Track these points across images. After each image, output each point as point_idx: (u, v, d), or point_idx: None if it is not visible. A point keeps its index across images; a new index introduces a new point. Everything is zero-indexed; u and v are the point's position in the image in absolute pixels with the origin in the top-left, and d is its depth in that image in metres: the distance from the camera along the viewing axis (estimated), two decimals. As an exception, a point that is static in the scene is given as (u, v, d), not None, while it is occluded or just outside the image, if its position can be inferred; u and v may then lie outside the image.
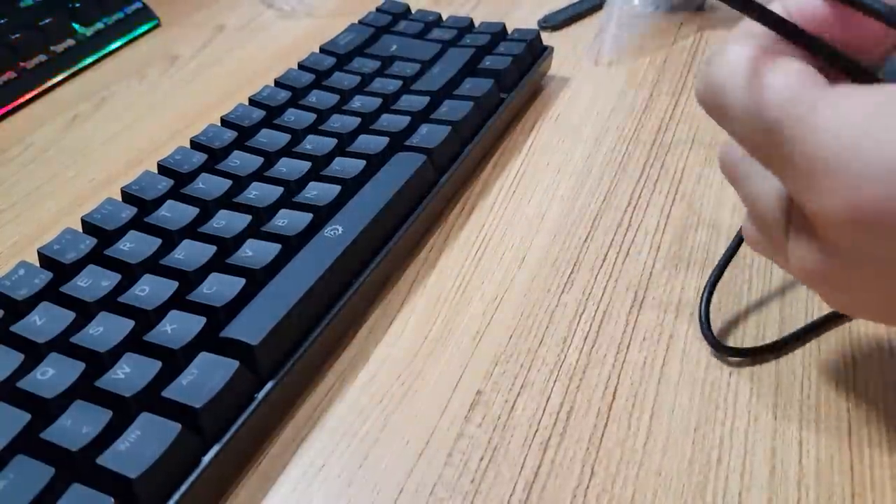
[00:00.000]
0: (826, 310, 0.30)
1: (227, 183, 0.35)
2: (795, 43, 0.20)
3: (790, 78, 0.19)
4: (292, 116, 0.40)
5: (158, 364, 0.26)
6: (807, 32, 0.20)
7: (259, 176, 0.36)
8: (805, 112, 0.18)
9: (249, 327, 0.28)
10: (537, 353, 0.30)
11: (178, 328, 0.28)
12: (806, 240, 0.21)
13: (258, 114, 0.40)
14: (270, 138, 0.38)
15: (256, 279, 0.30)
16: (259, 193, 0.34)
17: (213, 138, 0.38)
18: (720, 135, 0.31)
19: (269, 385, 0.27)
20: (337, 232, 0.32)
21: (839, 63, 0.20)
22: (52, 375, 0.26)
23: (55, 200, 0.41)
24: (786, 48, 0.20)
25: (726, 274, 0.32)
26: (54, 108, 0.50)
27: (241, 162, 0.37)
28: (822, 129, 0.18)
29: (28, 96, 0.50)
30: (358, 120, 0.39)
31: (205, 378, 0.26)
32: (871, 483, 0.25)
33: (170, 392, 0.25)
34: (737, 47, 0.20)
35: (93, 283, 0.29)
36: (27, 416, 0.24)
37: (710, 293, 0.31)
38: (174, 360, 0.27)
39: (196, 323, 0.28)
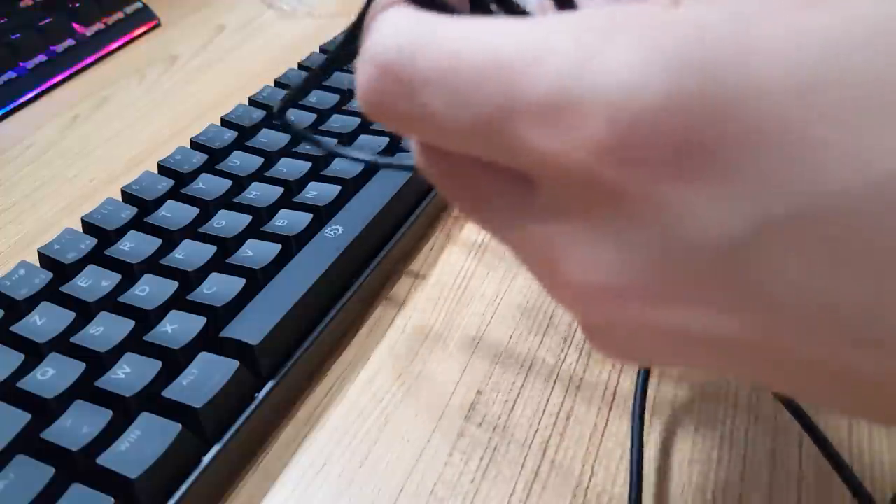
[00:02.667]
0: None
1: (228, 183, 0.35)
2: None
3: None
4: (293, 116, 0.40)
5: (158, 364, 0.26)
6: None
7: (259, 176, 0.36)
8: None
9: (249, 327, 0.28)
10: (537, 353, 0.30)
11: (178, 328, 0.28)
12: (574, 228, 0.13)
13: (258, 114, 0.40)
14: (270, 138, 0.38)
15: (256, 279, 0.30)
16: (259, 193, 0.34)
17: (213, 138, 0.38)
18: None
19: (269, 385, 0.27)
20: (337, 232, 0.32)
21: None
22: (52, 375, 0.26)
23: (55, 200, 0.41)
24: None
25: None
26: (54, 108, 0.50)
27: (241, 162, 0.37)
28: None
29: (28, 96, 0.50)
30: (358, 120, 0.39)
31: (205, 378, 0.26)
32: (872, 483, 0.25)
33: (170, 392, 0.25)
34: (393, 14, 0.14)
35: (93, 283, 0.29)
36: (27, 416, 0.24)
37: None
38: (174, 360, 0.27)
39: (196, 323, 0.28)
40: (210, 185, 0.35)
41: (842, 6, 0.11)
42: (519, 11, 0.15)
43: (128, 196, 0.35)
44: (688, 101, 0.11)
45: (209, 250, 0.31)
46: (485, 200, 0.15)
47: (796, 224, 0.11)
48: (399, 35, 0.13)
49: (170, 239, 0.32)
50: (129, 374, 0.26)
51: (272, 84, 0.43)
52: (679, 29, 0.11)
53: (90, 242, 0.32)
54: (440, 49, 0.13)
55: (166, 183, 0.35)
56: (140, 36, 0.58)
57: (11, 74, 0.50)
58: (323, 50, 0.47)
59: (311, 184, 0.35)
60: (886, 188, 0.10)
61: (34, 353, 0.27)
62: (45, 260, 0.31)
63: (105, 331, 0.27)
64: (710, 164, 0.11)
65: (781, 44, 0.10)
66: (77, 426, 0.24)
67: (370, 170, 0.36)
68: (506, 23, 0.12)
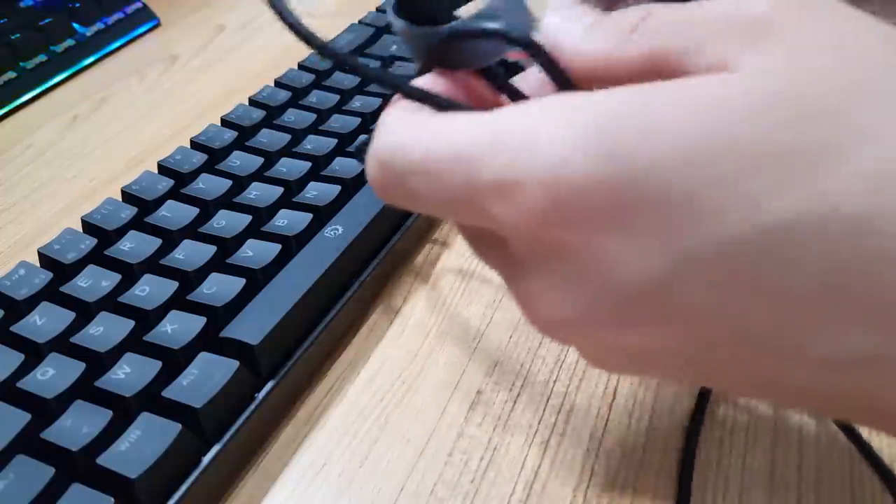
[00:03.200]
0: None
1: (228, 183, 0.35)
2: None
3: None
4: (292, 116, 0.40)
5: (158, 364, 0.26)
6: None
7: (259, 176, 0.36)
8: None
9: (249, 327, 0.28)
10: (537, 353, 0.30)
11: (178, 328, 0.28)
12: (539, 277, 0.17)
13: (258, 114, 0.40)
14: (270, 138, 0.38)
15: (256, 279, 0.30)
16: (259, 193, 0.34)
17: (213, 138, 0.38)
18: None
19: (269, 385, 0.27)
20: (337, 232, 0.32)
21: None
22: (52, 375, 0.26)
23: (55, 200, 0.41)
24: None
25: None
26: (54, 108, 0.50)
27: (241, 162, 0.37)
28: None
29: (28, 96, 0.50)
30: (358, 120, 0.39)
31: (205, 378, 0.26)
32: (872, 484, 0.25)
33: (170, 392, 0.25)
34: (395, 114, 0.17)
35: (93, 283, 0.29)
36: (27, 416, 0.24)
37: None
38: (174, 360, 0.27)
39: (196, 323, 0.28)
40: (210, 185, 0.35)
41: (736, 82, 0.14)
42: (517, 93, 0.19)
43: (128, 196, 0.35)
44: (603, 177, 0.14)
45: (209, 250, 0.31)
46: (484, 254, 0.20)
47: (697, 262, 0.14)
48: (391, 134, 0.17)
49: (170, 239, 0.32)
50: (129, 374, 0.26)
51: (272, 84, 0.43)
52: (594, 116, 0.14)
53: (90, 242, 0.32)
54: (420, 146, 0.16)
55: (166, 183, 0.35)
56: (140, 36, 0.58)
57: (11, 74, 0.50)
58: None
59: (311, 184, 0.35)
60: (763, 237, 0.13)
61: (34, 353, 0.27)
62: (45, 260, 0.31)
63: (105, 331, 0.27)
64: (625, 221, 0.14)
65: (676, 123, 0.14)
66: (77, 426, 0.24)
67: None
68: (468, 120, 0.16)
